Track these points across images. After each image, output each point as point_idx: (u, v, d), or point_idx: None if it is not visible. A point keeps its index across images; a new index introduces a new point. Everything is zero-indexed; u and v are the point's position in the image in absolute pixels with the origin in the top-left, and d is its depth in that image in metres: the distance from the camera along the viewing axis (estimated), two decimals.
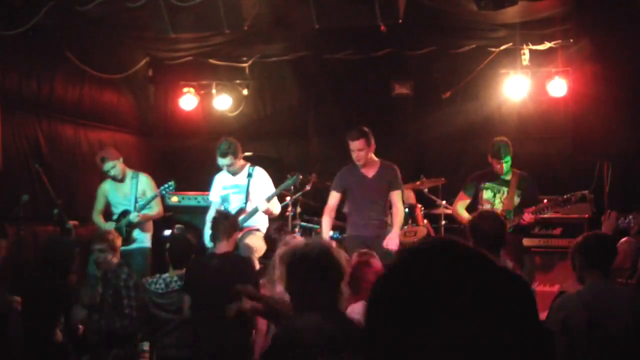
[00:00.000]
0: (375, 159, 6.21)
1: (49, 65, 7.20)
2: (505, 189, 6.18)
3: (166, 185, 6.70)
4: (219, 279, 4.73)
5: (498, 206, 6.12)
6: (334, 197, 6.24)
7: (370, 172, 6.16)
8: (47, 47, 6.98)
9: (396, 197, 6.15)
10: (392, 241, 5.91)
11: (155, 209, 6.83)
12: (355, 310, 3.89)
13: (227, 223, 5.14)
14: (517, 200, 6.14)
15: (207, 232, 6.44)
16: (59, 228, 6.26)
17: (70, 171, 7.60)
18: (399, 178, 6.23)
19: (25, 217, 6.02)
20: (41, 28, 6.11)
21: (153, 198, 6.70)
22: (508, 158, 6.14)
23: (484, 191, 6.24)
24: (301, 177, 6.39)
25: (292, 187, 6.91)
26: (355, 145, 6.00)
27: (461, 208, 6.31)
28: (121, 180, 6.77)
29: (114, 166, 6.70)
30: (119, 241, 5.49)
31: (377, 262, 4.23)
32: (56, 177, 6.89)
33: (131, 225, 6.69)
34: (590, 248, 3.89)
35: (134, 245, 6.67)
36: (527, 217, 5.93)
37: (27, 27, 5.90)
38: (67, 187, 7.30)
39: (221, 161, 6.40)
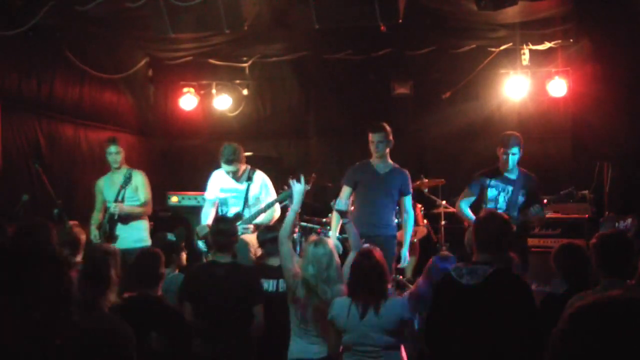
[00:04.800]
0: (390, 160, 6.20)
1: (49, 65, 7.20)
2: (510, 188, 6.07)
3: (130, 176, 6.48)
4: (224, 289, 4.60)
5: (502, 205, 6.04)
6: (344, 192, 6.11)
7: (383, 170, 6.13)
8: (47, 47, 6.97)
9: (407, 202, 6.15)
10: (403, 261, 6.07)
11: (142, 207, 6.66)
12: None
13: (233, 233, 5.01)
14: (521, 200, 6.06)
15: (203, 228, 6.39)
16: (58, 228, 6.24)
17: (70, 171, 7.59)
18: (410, 183, 6.21)
19: (26, 217, 6.01)
20: (41, 28, 6.11)
21: (144, 203, 6.60)
22: (516, 149, 6.02)
23: (489, 189, 6.12)
24: (296, 177, 6.33)
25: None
26: (376, 137, 6.02)
27: (465, 206, 6.19)
28: (117, 168, 6.73)
29: (118, 152, 6.68)
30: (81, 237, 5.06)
31: (378, 253, 4.24)
32: (56, 177, 6.88)
33: (113, 220, 6.49)
34: (606, 248, 3.84)
35: (135, 245, 6.59)
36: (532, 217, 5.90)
37: (27, 27, 5.89)
38: (67, 187, 7.30)
39: (226, 168, 6.34)
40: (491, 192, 6.12)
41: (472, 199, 6.20)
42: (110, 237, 6.51)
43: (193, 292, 4.66)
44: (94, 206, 6.85)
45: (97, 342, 2.75)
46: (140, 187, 6.68)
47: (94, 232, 6.57)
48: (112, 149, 6.69)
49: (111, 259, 3.92)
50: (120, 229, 6.55)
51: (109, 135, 6.92)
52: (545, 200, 6.05)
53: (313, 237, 4.75)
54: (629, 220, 5.16)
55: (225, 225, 4.93)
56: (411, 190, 6.22)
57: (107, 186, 6.76)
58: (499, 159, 6.13)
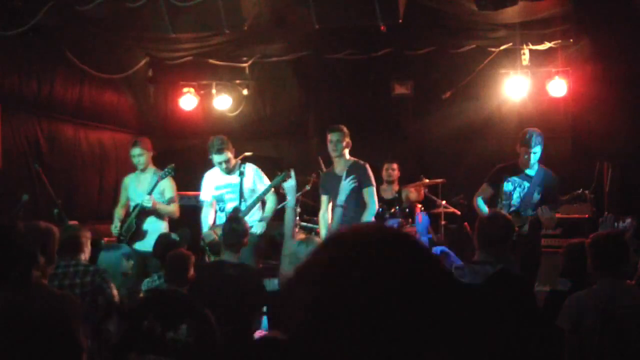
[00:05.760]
0: (349, 157, 6.21)
1: (49, 65, 7.20)
2: (526, 184, 5.95)
3: (166, 170, 6.51)
4: (229, 289, 4.61)
5: (516, 201, 5.94)
6: (323, 202, 6.34)
7: (341, 171, 6.16)
8: (47, 47, 6.97)
9: (367, 194, 6.04)
10: None
11: (171, 206, 6.67)
12: None
13: (245, 234, 5.00)
14: (536, 197, 5.92)
15: (209, 235, 6.39)
16: (59, 228, 6.23)
17: (70, 171, 7.59)
18: (369, 175, 6.10)
19: (25, 217, 6.01)
20: (41, 28, 6.11)
21: (171, 200, 6.64)
22: (538, 148, 5.88)
23: (505, 183, 6.00)
24: (288, 172, 6.32)
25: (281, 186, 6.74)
26: (334, 136, 6.12)
27: (481, 202, 6.08)
28: (142, 170, 6.69)
29: (141, 154, 6.62)
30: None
31: None
32: (56, 177, 6.88)
33: (141, 215, 6.48)
34: (601, 248, 3.85)
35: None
36: (542, 216, 5.75)
37: (27, 27, 5.90)
38: (67, 187, 7.30)
39: (218, 158, 6.34)
40: (507, 187, 5.99)
41: (490, 193, 6.10)
42: (137, 233, 6.49)
43: (200, 291, 4.68)
44: (118, 201, 6.83)
45: (28, 316, 2.99)
46: (167, 190, 6.64)
47: (117, 225, 6.56)
48: (134, 151, 6.64)
49: (40, 238, 3.91)
50: (145, 229, 6.53)
51: (134, 139, 6.82)
52: (557, 203, 5.94)
53: (301, 235, 4.74)
54: (628, 221, 5.15)
55: (238, 225, 4.94)
56: (372, 182, 6.10)
57: (132, 184, 6.72)
58: (519, 156, 5.99)
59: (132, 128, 9.06)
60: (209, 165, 6.69)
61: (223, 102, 9.28)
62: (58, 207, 6.17)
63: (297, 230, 7.26)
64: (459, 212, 8.08)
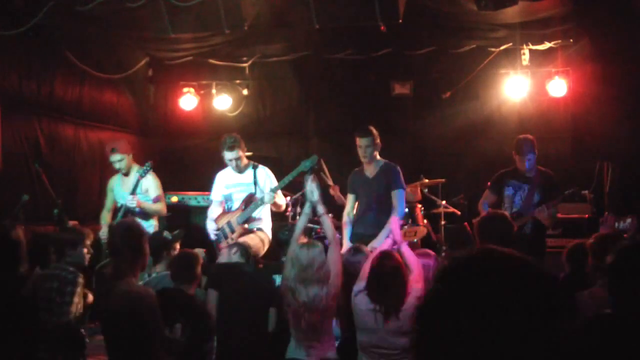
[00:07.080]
0: (380, 159, 6.13)
1: (49, 65, 7.20)
2: (526, 187, 5.97)
3: (144, 168, 6.44)
4: (246, 289, 4.75)
5: (518, 204, 5.95)
6: (349, 199, 6.15)
7: (372, 173, 6.10)
8: (47, 47, 6.97)
9: (395, 196, 5.95)
10: (375, 242, 5.60)
11: (157, 204, 6.65)
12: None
13: None
14: (537, 198, 5.93)
15: (210, 229, 6.41)
16: (58, 228, 6.24)
17: (70, 171, 7.59)
18: (399, 177, 6.11)
19: (25, 217, 6.02)
20: (41, 28, 6.11)
21: (156, 198, 6.60)
22: (531, 155, 5.93)
23: (506, 188, 6.04)
24: (318, 160, 6.23)
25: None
26: (363, 141, 5.90)
27: (485, 207, 6.06)
28: (126, 174, 6.69)
29: (121, 159, 6.58)
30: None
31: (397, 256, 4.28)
32: (56, 177, 6.88)
33: (128, 215, 6.38)
34: (600, 249, 3.85)
35: None
36: (540, 215, 5.78)
37: (27, 27, 5.90)
38: (67, 187, 7.30)
39: (229, 155, 6.31)
40: (508, 191, 6.03)
41: (493, 199, 6.13)
42: None
43: (220, 284, 4.82)
44: (104, 205, 6.79)
45: None
46: (151, 188, 6.62)
47: (105, 231, 6.49)
48: (114, 158, 6.57)
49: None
50: None
51: (110, 146, 6.77)
52: (555, 201, 5.95)
53: (303, 239, 4.72)
54: (629, 221, 5.16)
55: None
56: (402, 184, 5.99)
57: (118, 186, 6.70)
58: (516, 163, 6.04)
59: (132, 128, 9.07)
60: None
61: (223, 102, 9.28)
62: (58, 207, 6.17)
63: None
64: (458, 212, 8.08)
